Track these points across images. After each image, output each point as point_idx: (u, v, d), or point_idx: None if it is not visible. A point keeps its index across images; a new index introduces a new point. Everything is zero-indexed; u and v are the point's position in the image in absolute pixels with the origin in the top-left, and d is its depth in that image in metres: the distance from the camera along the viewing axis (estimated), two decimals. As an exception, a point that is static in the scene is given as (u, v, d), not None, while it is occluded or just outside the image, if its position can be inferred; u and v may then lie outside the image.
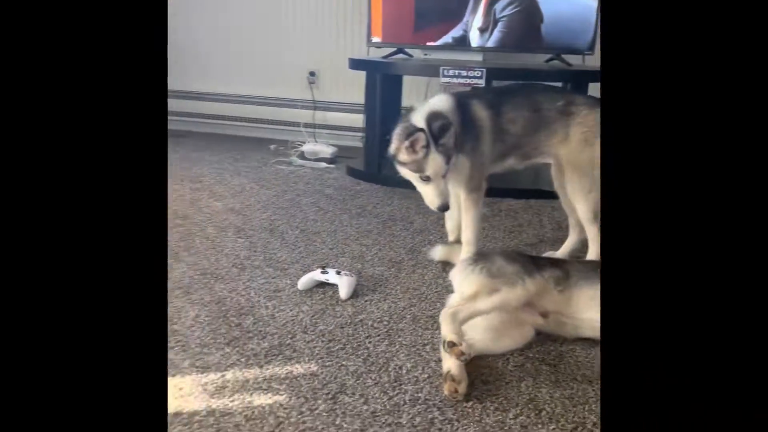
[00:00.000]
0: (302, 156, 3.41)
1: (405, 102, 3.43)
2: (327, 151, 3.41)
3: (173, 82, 4.10)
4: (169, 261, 1.94)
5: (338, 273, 1.76)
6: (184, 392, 1.26)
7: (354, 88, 3.67)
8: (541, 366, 1.38)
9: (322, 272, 1.77)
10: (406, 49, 3.18)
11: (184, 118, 4.13)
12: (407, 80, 3.42)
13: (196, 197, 2.66)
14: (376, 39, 3.16)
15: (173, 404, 1.22)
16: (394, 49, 3.16)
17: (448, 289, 1.79)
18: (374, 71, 2.99)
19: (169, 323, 1.54)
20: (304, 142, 3.53)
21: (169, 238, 2.13)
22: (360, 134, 3.65)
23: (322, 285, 1.77)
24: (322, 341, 1.48)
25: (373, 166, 3.08)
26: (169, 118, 4.14)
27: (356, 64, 3.06)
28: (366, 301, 1.71)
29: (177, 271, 1.86)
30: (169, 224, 2.29)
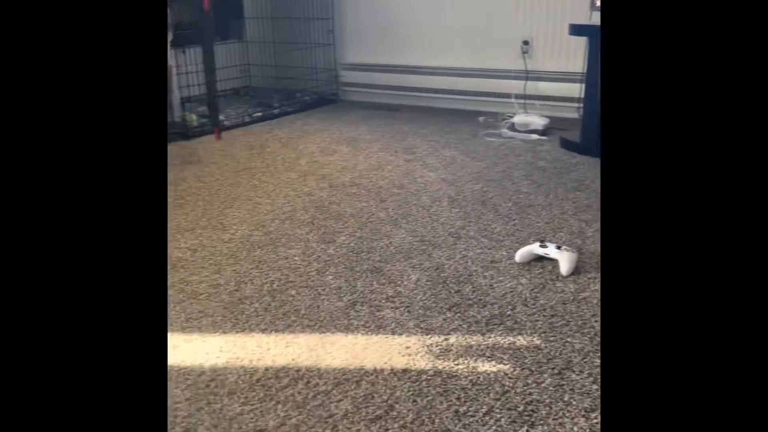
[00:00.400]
0: (512, 128, 3.34)
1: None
2: (539, 122, 3.30)
3: (385, 57, 4.28)
4: (389, 227, 2.03)
5: (558, 248, 1.70)
6: (411, 351, 1.32)
7: (569, 56, 3.49)
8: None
9: (541, 246, 1.72)
10: (634, 11, 2.91)
11: (395, 91, 4.28)
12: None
13: (410, 168, 2.75)
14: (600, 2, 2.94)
15: (401, 361, 1.28)
16: (620, 11, 2.91)
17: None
18: (596, 37, 2.80)
19: (392, 285, 1.62)
20: (514, 114, 3.45)
21: (387, 206, 2.24)
22: (574, 105, 3.47)
23: (540, 259, 1.72)
24: (544, 316, 1.44)
25: (590, 137, 2.91)
26: (381, 92, 4.34)
27: (578, 29, 2.89)
28: (589, 278, 1.62)
29: (397, 237, 1.95)
30: (387, 192, 2.40)
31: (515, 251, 1.76)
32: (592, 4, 2.96)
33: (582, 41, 3.14)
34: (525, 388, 1.18)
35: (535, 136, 3.23)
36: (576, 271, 1.66)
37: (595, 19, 3.04)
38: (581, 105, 3.00)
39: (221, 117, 3.57)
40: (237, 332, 1.42)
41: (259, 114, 3.89)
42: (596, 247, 1.82)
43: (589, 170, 2.63)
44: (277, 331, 1.42)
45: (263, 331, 1.42)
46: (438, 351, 1.32)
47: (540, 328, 1.39)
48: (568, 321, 1.41)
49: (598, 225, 1.99)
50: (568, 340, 1.33)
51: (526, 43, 3.69)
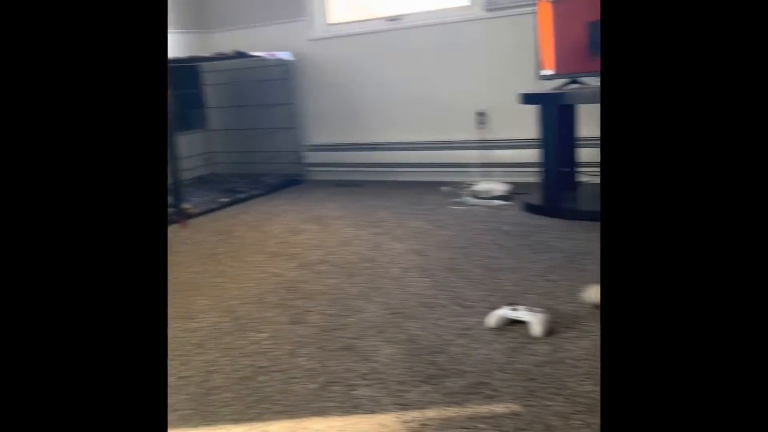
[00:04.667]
0: (476, 195, 3.41)
1: (582, 132, 3.30)
2: (501, 188, 3.37)
3: (348, 136, 4.38)
4: (361, 302, 2.01)
5: (529, 310, 1.70)
6: (388, 430, 1.28)
7: (523, 124, 3.62)
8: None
9: (513, 309, 1.72)
10: (580, 78, 3.07)
11: (360, 168, 4.36)
12: (582, 110, 3.29)
13: (379, 241, 2.77)
14: (548, 71, 3.10)
15: (379, 440, 1.24)
16: (567, 79, 3.07)
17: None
18: (548, 103, 2.93)
19: (366, 361, 1.59)
20: (476, 182, 3.53)
21: (357, 281, 2.23)
22: (533, 169, 3.57)
23: (512, 322, 1.72)
24: (521, 380, 1.42)
25: (550, 200, 2.98)
26: (346, 170, 4.41)
27: (529, 98, 3.02)
28: (562, 339, 1.62)
29: (369, 311, 1.93)
30: (357, 267, 2.39)
31: (487, 317, 1.75)
32: (540, 74, 3.11)
33: (530, 110, 3.28)
34: (507, 457, 1.14)
35: (498, 202, 3.29)
36: (548, 331, 1.65)
37: (543, 87, 3.19)
38: (540, 168, 3.08)
39: (187, 205, 3.57)
40: (207, 425, 1.36)
41: (226, 200, 3.90)
42: (567, 307, 1.83)
43: (553, 231, 2.68)
44: (248, 420, 1.37)
45: (234, 421, 1.37)
46: (416, 426, 1.28)
47: (518, 393, 1.36)
48: (545, 384, 1.39)
49: (566, 285, 2.01)
50: (546, 403, 1.31)
51: (481, 114, 3.84)
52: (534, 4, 3.08)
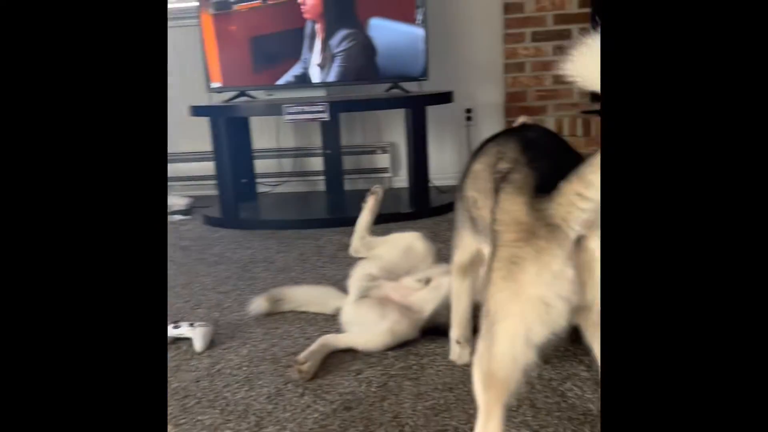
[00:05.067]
0: (154, 212, 3.24)
1: (256, 144, 3.40)
2: (180, 202, 3.27)
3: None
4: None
5: (191, 325, 1.66)
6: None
7: (201, 136, 3.59)
8: (403, 381, 1.39)
9: (174, 327, 1.66)
10: (249, 92, 3.16)
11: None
12: (256, 122, 3.39)
13: (33, 270, 2.42)
14: (216, 84, 3.11)
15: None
16: (236, 92, 3.13)
17: (310, 321, 1.76)
18: (217, 116, 2.94)
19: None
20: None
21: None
22: (213, 182, 3.56)
23: (175, 341, 1.66)
24: (176, 399, 1.38)
25: (229, 211, 3.00)
26: None
27: (198, 111, 2.99)
28: (224, 349, 1.62)
29: (7, 354, 1.66)
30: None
31: (149, 339, 1.66)
32: (208, 87, 3.11)
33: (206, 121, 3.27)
34: (149, 485, 1.09)
35: (178, 217, 3.19)
36: (211, 344, 1.64)
37: (214, 99, 3.20)
38: (217, 180, 3.07)
39: None
40: None
41: None
42: (233, 316, 1.85)
43: (230, 242, 2.70)
44: None
45: None
46: (48, 476, 1.13)
47: (171, 414, 1.32)
48: (200, 398, 1.37)
49: (236, 294, 2.03)
50: (199, 418, 1.29)
51: (156, 126, 3.67)
52: (197, 16, 3.06)
